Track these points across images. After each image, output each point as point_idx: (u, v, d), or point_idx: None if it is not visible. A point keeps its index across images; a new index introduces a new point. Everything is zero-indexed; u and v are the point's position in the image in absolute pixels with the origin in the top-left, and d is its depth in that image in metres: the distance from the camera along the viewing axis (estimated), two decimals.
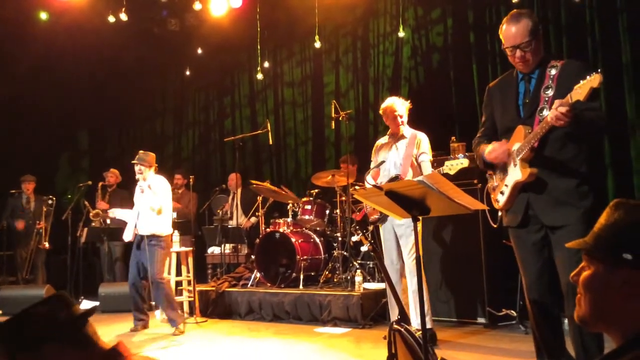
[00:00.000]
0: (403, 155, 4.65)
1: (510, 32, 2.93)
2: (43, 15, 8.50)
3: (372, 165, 4.93)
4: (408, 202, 2.65)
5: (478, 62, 6.83)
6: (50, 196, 8.13)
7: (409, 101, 4.85)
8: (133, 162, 5.71)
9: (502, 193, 3.01)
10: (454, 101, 7.02)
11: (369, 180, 4.93)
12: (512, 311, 4.95)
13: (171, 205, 5.92)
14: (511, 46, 2.93)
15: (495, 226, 3.09)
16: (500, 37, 3.01)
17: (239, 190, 7.98)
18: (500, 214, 3.08)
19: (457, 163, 3.55)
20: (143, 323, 5.81)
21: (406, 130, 4.76)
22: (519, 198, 2.96)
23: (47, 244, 8.00)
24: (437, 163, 5.49)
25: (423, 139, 4.73)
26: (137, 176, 5.72)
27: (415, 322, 4.20)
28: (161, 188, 5.70)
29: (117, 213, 6.18)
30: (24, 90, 8.91)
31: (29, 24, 8.48)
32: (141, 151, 5.79)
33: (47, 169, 9.80)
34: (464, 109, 6.90)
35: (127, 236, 5.78)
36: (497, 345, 4.41)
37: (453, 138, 5.66)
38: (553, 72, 2.90)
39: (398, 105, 4.71)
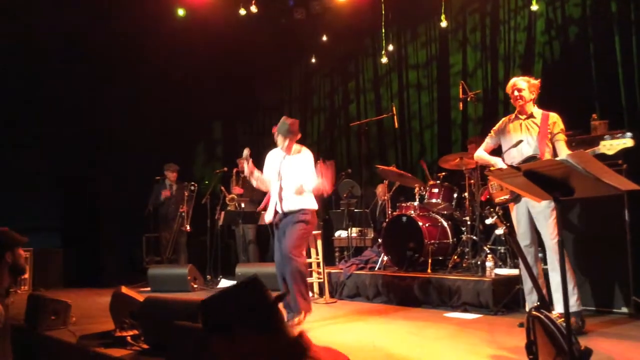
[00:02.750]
0: (537, 135, 4.39)
1: None
2: (180, 12, 9.09)
3: (488, 139, 4.74)
4: (549, 182, 2.52)
5: (621, 34, 6.29)
6: (192, 182, 8.69)
7: (538, 79, 4.57)
8: (274, 132, 5.11)
9: None
10: (593, 77, 6.53)
11: (483, 155, 4.71)
12: None
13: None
14: None
15: None
16: None
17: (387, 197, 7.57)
18: None
19: (619, 143, 3.14)
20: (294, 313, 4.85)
21: (535, 109, 4.51)
22: None
23: (188, 227, 8.52)
24: (575, 143, 5.17)
25: (558, 120, 4.44)
26: (280, 146, 5.11)
27: (558, 308, 4.00)
28: (308, 162, 5.06)
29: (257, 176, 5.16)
30: (162, 82, 9.59)
31: (167, 19, 9.10)
32: (284, 117, 5.22)
33: (186, 157, 10.50)
34: (605, 85, 6.40)
35: (268, 217, 5.11)
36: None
37: (594, 116, 5.30)
38: None
39: (520, 82, 4.48)
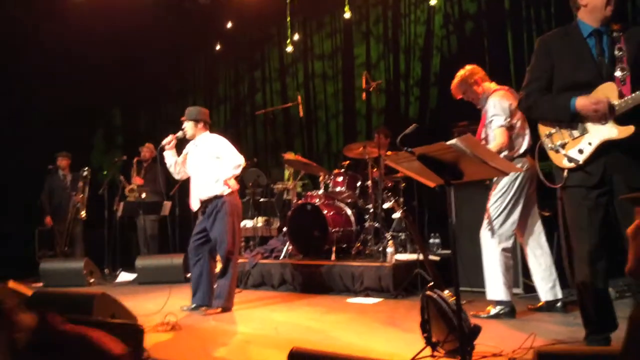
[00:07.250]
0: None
1: None
2: None
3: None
4: (440, 166, 2.61)
5: (513, 30, 6.67)
6: (86, 167, 8.23)
7: (467, 68, 4.88)
8: (182, 118, 5.17)
9: (580, 151, 2.88)
10: (487, 70, 6.83)
11: None
12: None
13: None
14: None
15: (556, 187, 2.98)
16: None
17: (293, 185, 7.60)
18: (565, 173, 2.96)
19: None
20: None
21: (483, 97, 4.85)
22: (600, 158, 2.85)
23: (84, 214, 8.07)
24: (470, 133, 5.40)
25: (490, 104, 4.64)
26: (188, 135, 5.15)
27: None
28: (218, 149, 5.11)
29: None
30: (58, 68, 9.05)
31: (63, 2, 8.56)
32: (190, 107, 5.24)
33: (83, 145, 9.97)
34: (498, 78, 6.69)
35: (194, 205, 5.18)
36: (531, 314, 4.36)
37: None
38: (615, 33, 2.88)
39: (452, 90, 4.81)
